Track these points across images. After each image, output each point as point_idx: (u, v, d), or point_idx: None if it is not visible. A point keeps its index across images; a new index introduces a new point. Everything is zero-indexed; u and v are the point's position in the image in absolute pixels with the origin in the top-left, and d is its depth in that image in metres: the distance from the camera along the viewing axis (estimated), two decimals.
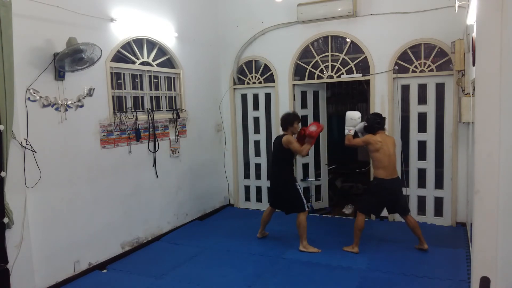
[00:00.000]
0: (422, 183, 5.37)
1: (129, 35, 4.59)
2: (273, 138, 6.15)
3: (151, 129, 4.88)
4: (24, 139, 3.41)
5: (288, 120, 4.57)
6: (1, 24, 2.99)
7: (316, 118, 6.18)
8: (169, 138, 5.24)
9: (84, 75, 3.95)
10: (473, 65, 3.30)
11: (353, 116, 4.47)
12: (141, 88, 4.88)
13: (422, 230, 4.50)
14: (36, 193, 3.52)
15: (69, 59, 3.61)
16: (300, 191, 4.55)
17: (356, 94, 8.12)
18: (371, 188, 4.49)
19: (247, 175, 6.53)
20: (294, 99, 5.98)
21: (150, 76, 4.99)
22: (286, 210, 4.66)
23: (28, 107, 3.46)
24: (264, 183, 6.37)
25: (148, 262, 4.37)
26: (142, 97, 4.88)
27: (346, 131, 4.49)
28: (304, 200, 4.53)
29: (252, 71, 6.26)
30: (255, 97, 6.31)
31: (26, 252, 3.38)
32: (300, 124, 4.66)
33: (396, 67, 5.29)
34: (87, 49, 3.62)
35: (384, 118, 4.51)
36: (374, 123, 4.41)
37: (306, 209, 4.51)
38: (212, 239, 5.01)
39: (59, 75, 3.69)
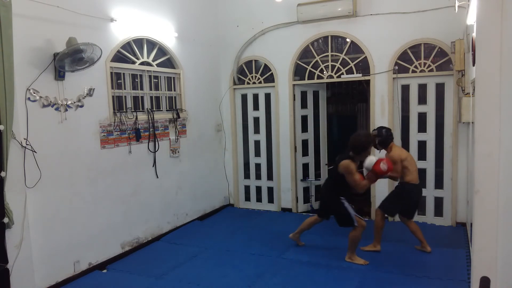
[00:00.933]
0: (422, 183, 5.34)
1: (129, 35, 4.59)
2: (273, 138, 6.17)
3: (151, 129, 4.88)
4: (24, 139, 3.41)
5: (361, 146, 3.89)
6: (1, 24, 2.98)
7: (316, 118, 6.18)
8: (169, 138, 5.24)
9: (84, 75, 3.95)
10: (473, 65, 3.30)
11: (369, 162, 3.95)
12: (141, 88, 4.88)
13: (422, 230, 4.50)
14: (36, 193, 3.52)
15: (69, 59, 3.61)
16: (348, 208, 4.10)
17: (356, 94, 8.11)
18: (404, 194, 4.40)
19: (247, 175, 6.53)
20: (294, 99, 5.98)
21: (150, 76, 4.99)
22: (338, 223, 4.25)
23: (28, 107, 3.46)
24: (264, 183, 6.37)
25: (148, 262, 4.37)
26: (142, 97, 4.87)
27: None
28: (353, 216, 4.07)
29: (252, 71, 6.25)
30: (255, 97, 6.31)
31: (26, 252, 3.38)
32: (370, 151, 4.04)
33: (396, 67, 5.29)
34: (87, 49, 3.62)
35: (389, 130, 4.45)
36: (388, 135, 4.35)
37: (355, 224, 4.06)
38: (212, 239, 5.01)
39: (59, 75, 3.69)
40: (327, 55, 5.71)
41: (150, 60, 4.97)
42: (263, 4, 5.95)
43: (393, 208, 4.51)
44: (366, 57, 5.45)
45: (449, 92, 5.09)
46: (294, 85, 5.94)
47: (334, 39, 5.67)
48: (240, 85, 6.33)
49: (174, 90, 5.44)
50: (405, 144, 5.36)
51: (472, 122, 3.82)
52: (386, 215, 4.55)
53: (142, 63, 4.84)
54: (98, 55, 3.70)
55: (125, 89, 4.62)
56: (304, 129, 6.14)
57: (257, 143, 6.38)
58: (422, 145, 5.32)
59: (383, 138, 4.35)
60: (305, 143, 6.18)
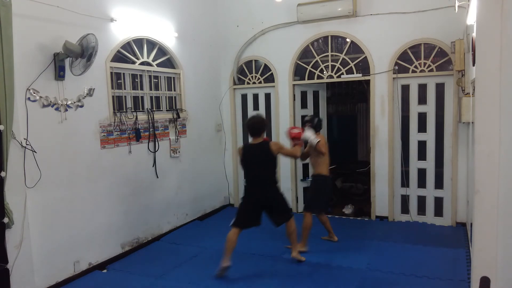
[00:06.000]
0: (422, 183, 5.37)
1: (129, 35, 4.59)
2: (273, 138, 6.15)
3: (151, 129, 4.88)
4: (24, 139, 3.41)
5: (264, 125, 4.12)
6: (1, 24, 2.99)
7: None
8: (169, 138, 5.24)
9: (84, 75, 3.94)
10: (473, 65, 3.31)
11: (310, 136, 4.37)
12: (141, 88, 4.88)
13: (422, 230, 4.51)
14: (36, 193, 3.52)
15: (79, 60, 3.64)
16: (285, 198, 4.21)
17: (356, 94, 8.11)
18: (320, 186, 4.54)
19: None
20: (294, 99, 5.98)
21: (150, 76, 4.99)
22: (278, 222, 4.14)
23: (28, 107, 3.46)
24: None
25: (148, 262, 4.37)
26: (142, 97, 4.87)
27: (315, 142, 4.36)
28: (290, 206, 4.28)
29: (252, 71, 6.25)
30: (255, 97, 6.30)
31: (26, 252, 3.38)
32: None
33: (396, 67, 5.29)
34: (85, 43, 3.62)
35: (321, 120, 4.67)
36: (320, 123, 4.57)
37: (292, 213, 4.22)
38: (212, 239, 5.01)
39: (59, 75, 3.69)
40: (327, 55, 5.71)
41: (150, 60, 4.96)
42: (263, 4, 5.95)
43: (319, 204, 4.57)
44: (366, 57, 5.44)
45: (449, 92, 5.09)
46: (294, 85, 5.94)
47: (334, 39, 5.67)
48: (240, 85, 6.33)
49: (174, 90, 5.44)
50: (405, 144, 5.36)
51: (472, 122, 3.82)
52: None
53: (142, 63, 4.84)
54: (92, 40, 3.62)
55: (125, 89, 4.62)
56: None
57: None
58: (422, 145, 5.31)
59: (316, 125, 4.51)
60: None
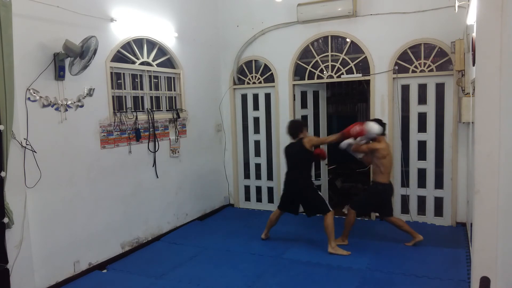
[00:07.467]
0: (422, 183, 5.37)
1: (129, 35, 4.59)
2: (273, 138, 6.16)
3: (151, 129, 4.88)
4: (24, 139, 3.41)
5: (298, 127, 4.64)
6: (1, 24, 2.98)
7: (316, 118, 6.18)
8: (169, 138, 5.24)
9: (84, 75, 3.94)
10: (473, 65, 3.30)
11: (377, 131, 4.32)
12: (141, 88, 4.88)
13: (422, 230, 4.50)
14: (36, 193, 3.52)
15: (77, 60, 3.63)
16: (320, 193, 4.56)
17: (356, 94, 8.12)
18: (374, 192, 4.59)
19: (247, 175, 6.53)
20: (294, 99, 5.98)
21: (150, 76, 4.99)
22: (309, 212, 4.62)
23: (28, 107, 3.46)
24: (264, 183, 6.37)
25: (148, 262, 4.37)
26: (142, 97, 4.88)
27: (363, 141, 4.46)
28: (326, 201, 4.52)
29: (252, 71, 6.25)
30: (255, 97, 6.31)
31: (26, 252, 3.38)
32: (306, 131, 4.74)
33: (396, 67, 5.28)
34: (86, 45, 3.62)
35: (385, 124, 4.60)
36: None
37: (331, 209, 4.44)
38: (212, 239, 5.01)
39: (59, 75, 3.69)
40: (327, 55, 5.71)
41: (150, 60, 4.97)
42: (263, 4, 5.95)
43: (366, 208, 4.91)
44: (366, 57, 5.44)
45: (449, 92, 5.09)
46: (294, 85, 5.94)
47: (334, 39, 5.67)
48: (240, 85, 6.33)
49: (174, 90, 5.44)
50: (405, 144, 5.36)
51: (472, 122, 3.82)
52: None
53: (142, 63, 4.84)
54: (93, 42, 3.61)
55: (125, 89, 4.62)
56: None
57: (257, 143, 6.38)
58: (422, 145, 5.31)
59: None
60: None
